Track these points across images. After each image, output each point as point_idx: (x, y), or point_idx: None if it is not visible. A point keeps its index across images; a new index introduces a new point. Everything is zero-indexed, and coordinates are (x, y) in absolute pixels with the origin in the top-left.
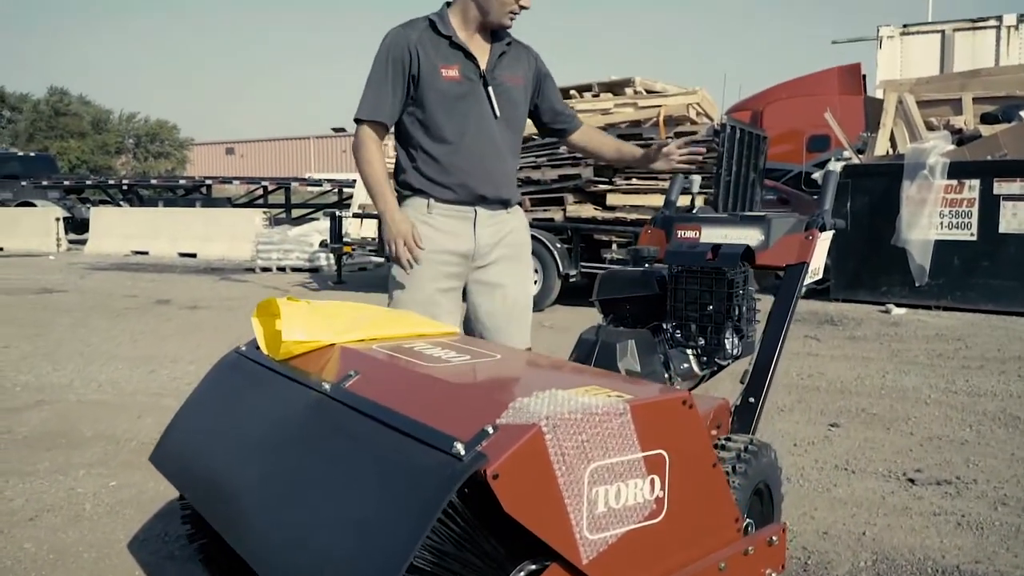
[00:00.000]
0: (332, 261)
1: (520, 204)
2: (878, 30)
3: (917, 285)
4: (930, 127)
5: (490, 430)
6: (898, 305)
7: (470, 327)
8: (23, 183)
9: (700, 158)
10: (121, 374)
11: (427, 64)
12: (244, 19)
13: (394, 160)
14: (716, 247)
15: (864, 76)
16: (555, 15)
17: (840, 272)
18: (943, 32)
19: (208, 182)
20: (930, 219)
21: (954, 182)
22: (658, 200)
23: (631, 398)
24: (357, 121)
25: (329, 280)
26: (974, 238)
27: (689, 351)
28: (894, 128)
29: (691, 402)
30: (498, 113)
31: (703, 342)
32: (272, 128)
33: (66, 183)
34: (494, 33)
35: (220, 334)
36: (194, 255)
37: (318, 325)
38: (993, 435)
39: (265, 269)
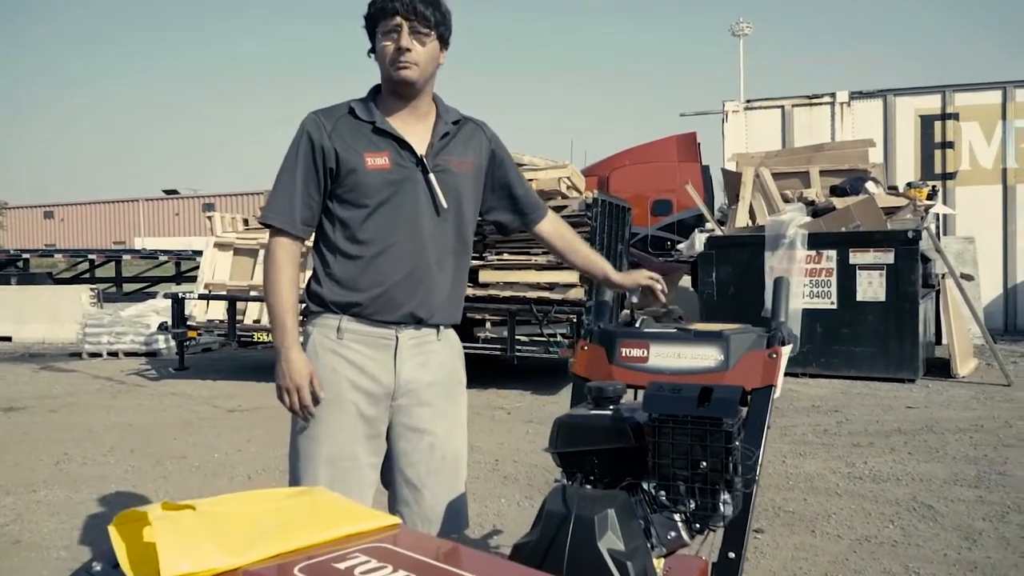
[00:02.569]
0: (172, 344)
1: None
2: (723, 104)
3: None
4: (786, 199)
5: None
6: None
7: (390, 475)
8: None
9: (662, 295)
10: None
11: (347, 154)
12: (64, 72)
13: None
14: (706, 390)
15: (699, 144)
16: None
17: None
18: (783, 108)
19: (25, 255)
20: (795, 289)
21: (813, 252)
22: (534, 276)
23: None
24: (266, 225)
25: (170, 367)
26: (834, 306)
27: (677, 516)
28: (752, 200)
29: None
30: (443, 205)
31: (694, 505)
32: (96, 190)
33: None
34: (438, 113)
35: (44, 447)
36: (9, 339)
37: (210, 542)
38: (918, 532)
39: (94, 355)
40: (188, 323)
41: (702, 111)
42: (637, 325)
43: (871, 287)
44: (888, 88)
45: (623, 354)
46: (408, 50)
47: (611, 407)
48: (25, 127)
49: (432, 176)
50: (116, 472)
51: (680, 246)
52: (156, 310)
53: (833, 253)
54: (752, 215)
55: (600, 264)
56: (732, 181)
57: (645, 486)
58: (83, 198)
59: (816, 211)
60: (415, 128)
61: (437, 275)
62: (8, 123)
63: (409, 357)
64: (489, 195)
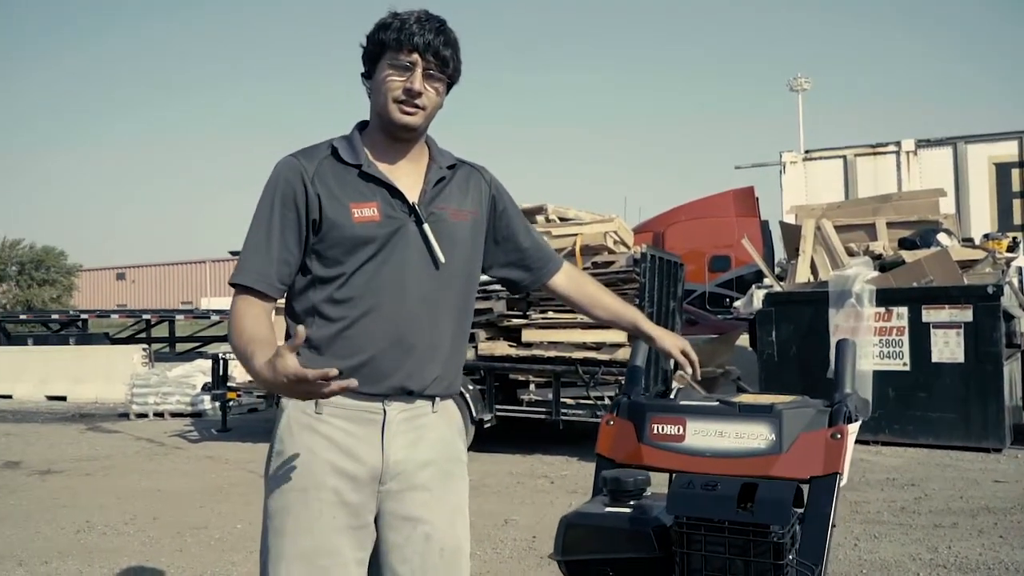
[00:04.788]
0: (217, 405)
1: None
2: (781, 155)
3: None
4: (850, 253)
5: None
6: None
7: (378, 573)
8: None
9: (692, 373)
10: None
11: (331, 204)
12: (136, 142)
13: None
14: (748, 488)
15: (757, 199)
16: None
17: None
18: (844, 157)
19: (84, 316)
20: (864, 349)
21: (882, 310)
22: (580, 335)
23: None
24: (238, 286)
25: (212, 428)
26: (907, 368)
27: None
28: (814, 254)
29: None
30: (441, 259)
31: None
32: (166, 252)
33: None
34: (431, 155)
35: (68, 514)
36: (64, 398)
37: None
38: None
39: (141, 415)
40: (229, 384)
41: (758, 163)
42: (672, 396)
43: (948, 347)
44: (958, 135)
45: (654, 431)
46: (420, 94)
47: (631, 503)
48: (98, 191)
49: (427, 226)
50: (133, 544)
51: (737, 303)
52: (202, 370)
53: (904, 310)
54: (814, 270)
55: (629, 315)
56: (791, 234)
57: None
58: (154, 260)
59: (884, 265)
60: (406, 172)
61: (430, 340)
62: (83, 188)
63: (399, 433)
64: (492, 249)
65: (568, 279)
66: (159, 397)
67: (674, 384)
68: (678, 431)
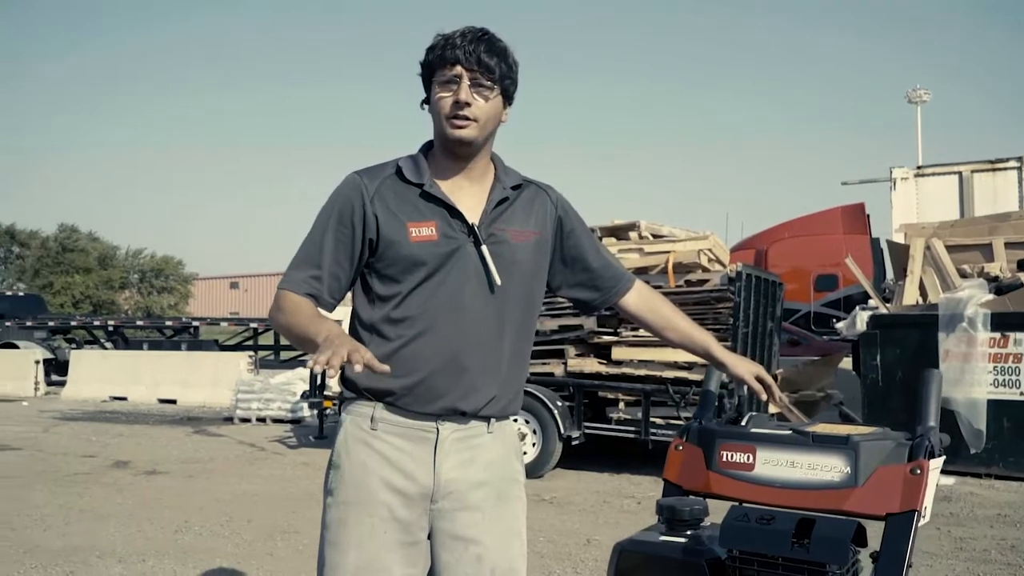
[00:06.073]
0: (314, 413)
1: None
2: (891, 171)
3: (972, 452)
4: (963, 274)
5: None
6: (943, 472)
7: None
8: (7, 323)
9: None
10: None
11: (389, 223)
12: (252, 150)
13: None
14: (805, 523)
15: (868, 216)
16: (545, 155)
17: None
18: (960, 174)
19: (195, 323)
20: (977, 376)
21: (998, 335)
22: (671, 355)
23: None
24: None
25: (310, 435)
26: None
27: None
28: (923, 275)
29: None
30: (498, 281)
31: None
32: (279, 261)
33: (51, 323)
34: (496, 175)
35: (169, 514)
36: (174, 401)
37: None
38: None
39: (245, 420)
40: (325, 393)
41: (867, 179)
42: (744, 423)
43: None
44: None
45: (724, 459)
46: (467, 104)
47: (687, 532)
48: (219, 201)
49: (485, 248)
50: (226, 546)
51: (839, 324)
52: (302, 378)
53: (1022, 336)
54: (923, 292)
55: (701, 339)
56: (899, 254)
57: None
58: (267, 269)
59: (1000, 288)
60: (469, 192)
61: (486, 362)
62: (205, 198)
63: (452, 453)
64: (560, 269)
65: (640, 298)
66: (262, 403)
67: (771, 408)
68: (748, 460)
